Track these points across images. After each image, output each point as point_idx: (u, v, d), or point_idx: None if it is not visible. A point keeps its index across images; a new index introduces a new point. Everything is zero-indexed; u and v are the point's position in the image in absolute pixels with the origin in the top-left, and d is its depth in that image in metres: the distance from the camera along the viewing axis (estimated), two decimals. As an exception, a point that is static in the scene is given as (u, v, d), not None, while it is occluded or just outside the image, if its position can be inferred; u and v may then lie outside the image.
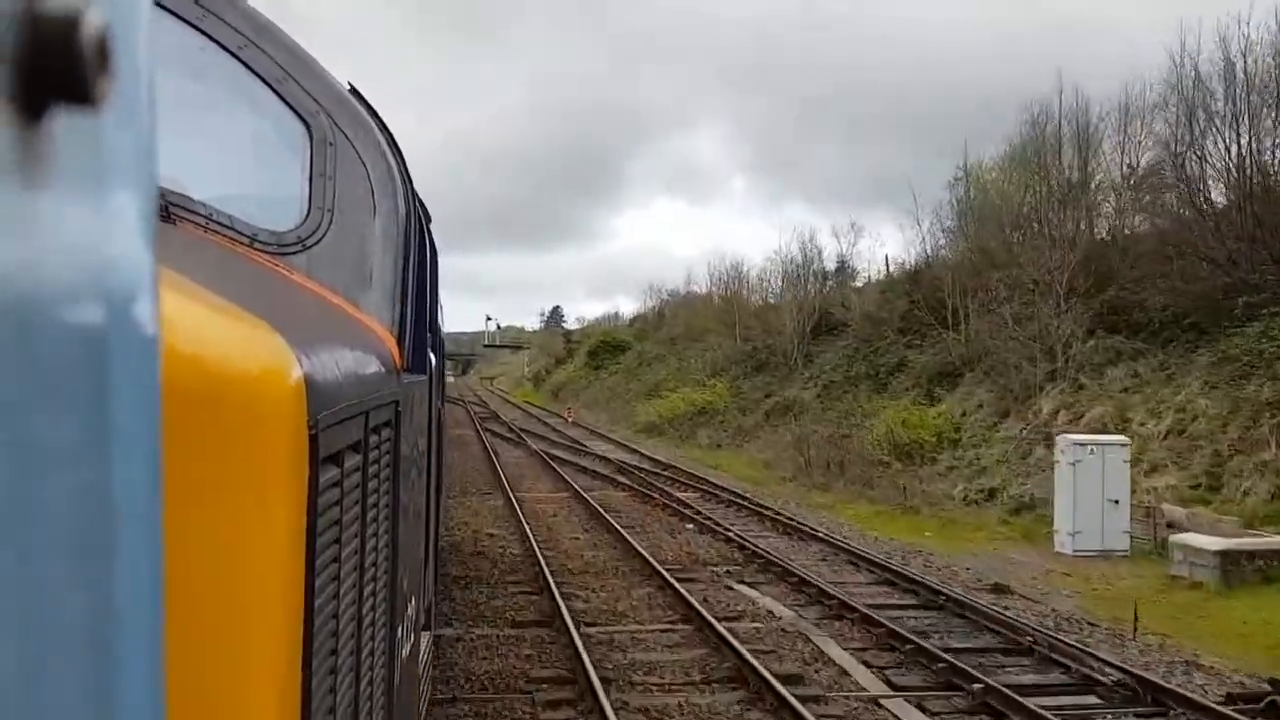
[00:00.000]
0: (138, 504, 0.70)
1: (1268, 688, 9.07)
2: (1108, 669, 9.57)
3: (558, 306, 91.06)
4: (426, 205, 4.91)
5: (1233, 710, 8.46)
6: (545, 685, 9.23)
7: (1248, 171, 23.69)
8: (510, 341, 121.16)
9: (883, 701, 9.10)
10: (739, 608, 12.38)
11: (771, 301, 48.00)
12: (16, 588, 0.55)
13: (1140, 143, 28.72)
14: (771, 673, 9.19)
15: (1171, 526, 16.72)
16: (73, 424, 0.61)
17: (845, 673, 9.91)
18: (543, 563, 14.07)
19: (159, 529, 0.76)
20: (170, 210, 2.63)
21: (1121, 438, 18.66)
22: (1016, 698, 8.60)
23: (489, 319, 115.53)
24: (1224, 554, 14.10)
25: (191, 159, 2.81)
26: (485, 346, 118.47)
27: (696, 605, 11.71)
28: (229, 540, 1.59)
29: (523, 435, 38.57)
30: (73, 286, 0.60)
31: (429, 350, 4.50)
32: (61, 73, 0.53)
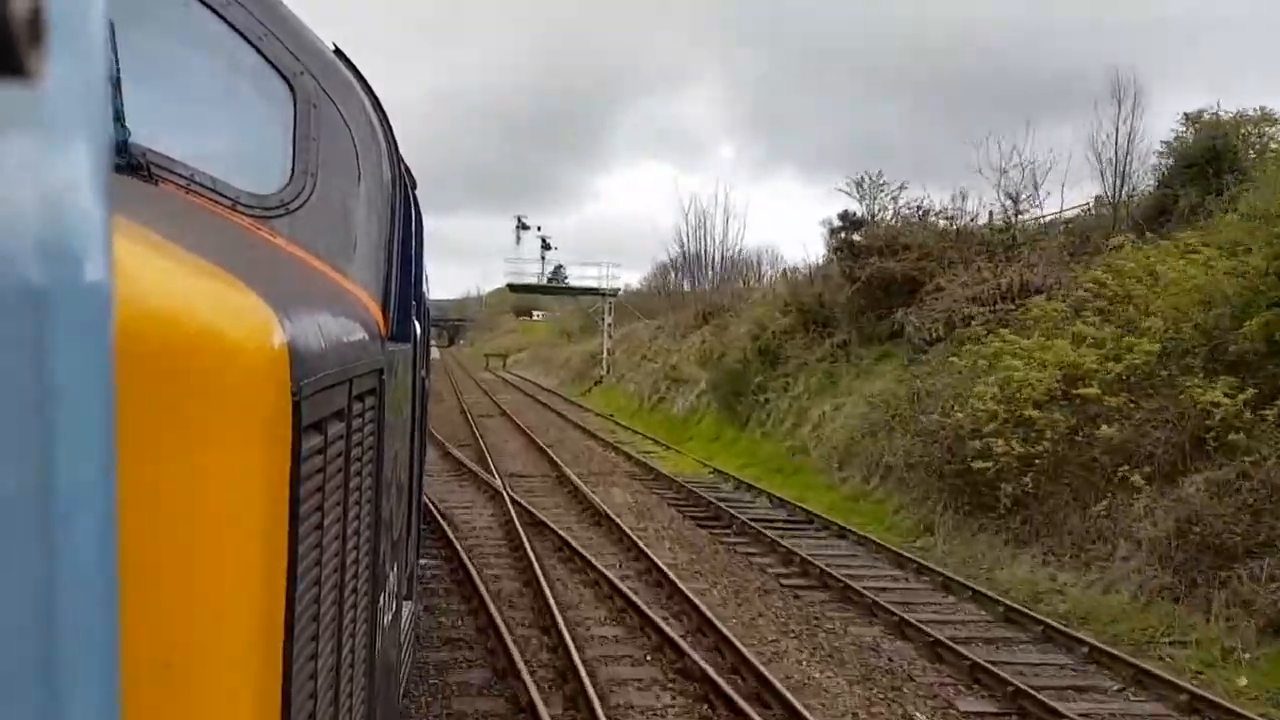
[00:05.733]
0: (87, 472, 0.69)
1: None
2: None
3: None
4: (411, 170, 4.85)
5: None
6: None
7: None
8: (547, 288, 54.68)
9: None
10: None
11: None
12: None
13: None
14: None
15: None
16: (13, 387, 0.60)
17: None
18: None
19: (112, 498, 0.74)
20: (151, 170, 2.57)
21: None
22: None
23: (522, 225, 51.79)
24: None
25: (171, 118, 2.75)
26: (514, 289, 56.32)
27: None
28: (210, 507, 1.57)
29: None
30: (14, 243, 0.59)
31: (414, 318, 4.46)
32: None
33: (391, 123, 3.38)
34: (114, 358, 0.74)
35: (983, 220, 22.42)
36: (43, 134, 0.61)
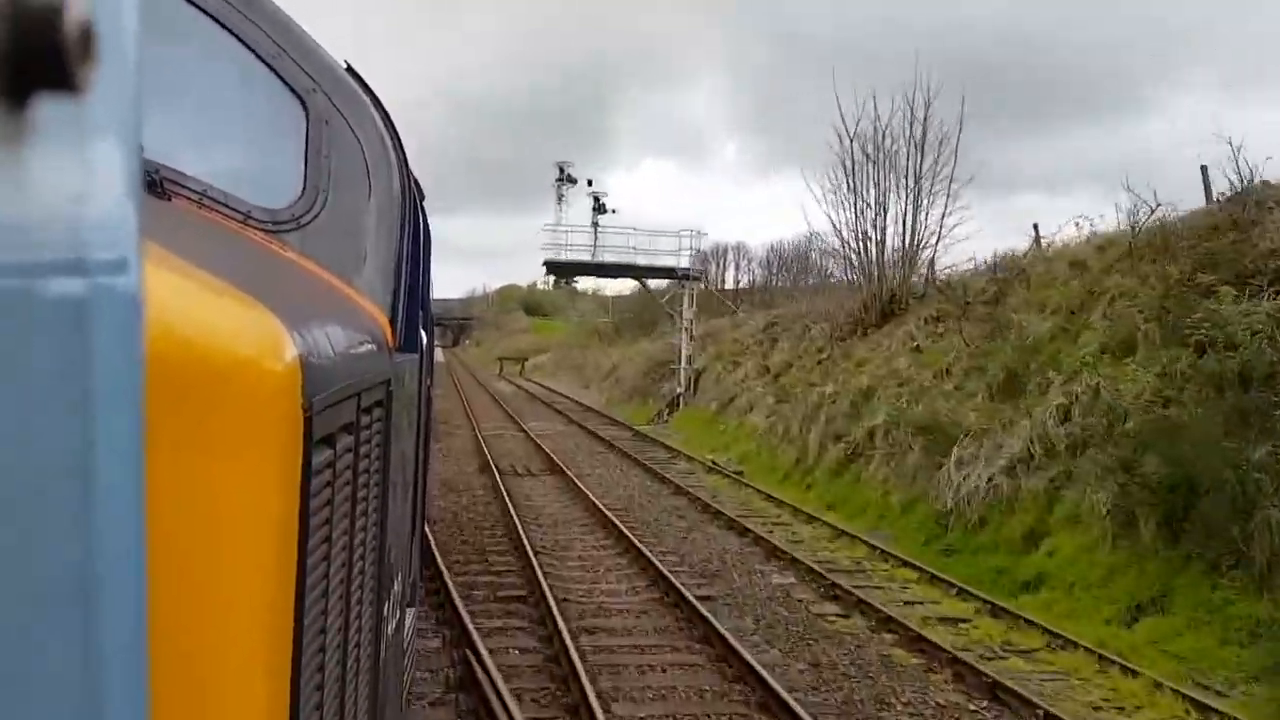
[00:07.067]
0: (119, 474, 0.71)
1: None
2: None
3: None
4: (420, 183, 4.90)
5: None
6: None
7: None
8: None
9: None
10: None
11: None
12: None
13: None
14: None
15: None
16: (54, 388, 0.62)
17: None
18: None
19: (141, 501, 0.76)
20: (164, 185, 2.62)
21: None
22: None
23: (567, 178, 39.35)
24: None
25: (185, 134, 2.79)
26: (553, 269, 35.56)
27: None
28: (221, 522, 1.60)
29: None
30: (55, 253, 0.61)
31: (420, 328, 4.51)
32: (45, 62, 0.55)
33: (401, 137, 3.43)
34: (144, 361, 0.77)
35: None
36: (85, 145, 0.64)
